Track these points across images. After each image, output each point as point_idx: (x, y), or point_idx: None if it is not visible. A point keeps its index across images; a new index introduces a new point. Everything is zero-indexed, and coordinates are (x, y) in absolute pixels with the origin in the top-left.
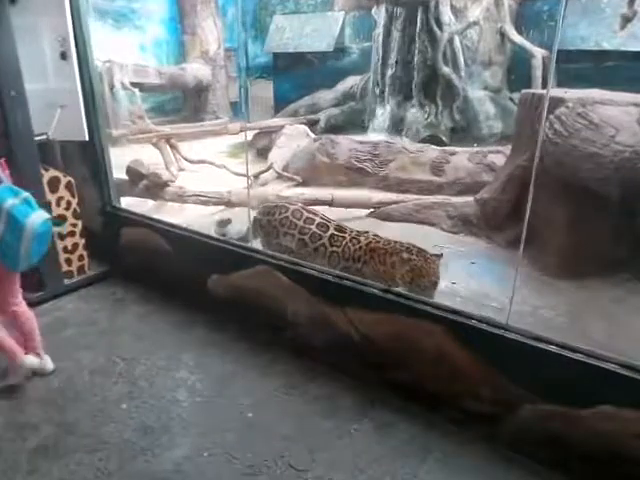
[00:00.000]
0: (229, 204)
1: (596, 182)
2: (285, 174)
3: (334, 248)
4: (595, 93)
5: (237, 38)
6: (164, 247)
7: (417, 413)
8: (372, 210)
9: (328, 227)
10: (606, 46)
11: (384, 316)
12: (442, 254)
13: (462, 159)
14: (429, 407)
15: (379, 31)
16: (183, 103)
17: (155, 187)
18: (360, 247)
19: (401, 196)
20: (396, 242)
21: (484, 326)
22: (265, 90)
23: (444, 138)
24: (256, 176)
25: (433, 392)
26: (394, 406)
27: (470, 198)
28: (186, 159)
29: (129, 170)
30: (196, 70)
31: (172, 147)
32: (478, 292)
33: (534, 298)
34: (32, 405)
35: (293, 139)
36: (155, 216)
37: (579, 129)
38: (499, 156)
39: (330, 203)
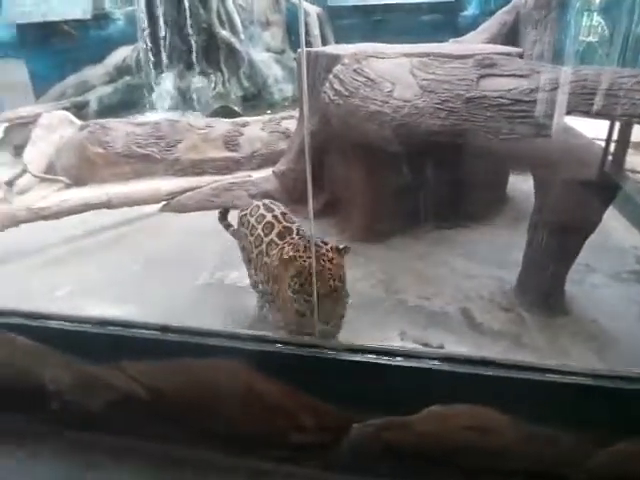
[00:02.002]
0: None
1: (383, 141)
2: (46, 177)
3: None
4: (367, 47)
5: None
6: None
7: (243, 464)
8: (165, 203)
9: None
10: (372, 0)
11: (172, 362)
12: (348, 247)
13: (255, 129)
14: (255, 453)
15: None
16: None
17: None
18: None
19: (196, 180)
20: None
21: (286, 348)
22: (16, 71)
23: (236, 108)
24: (9, 184)
25: (253, 436)
26: (215, 465)
27: (269, 171)
28: None
29: None
30: None
31: None
32: None
33: (348, 270)
34: None
35: (53, 130)
36: None
37: (358, 87)
38: (293, 121)
39: (107, 205)
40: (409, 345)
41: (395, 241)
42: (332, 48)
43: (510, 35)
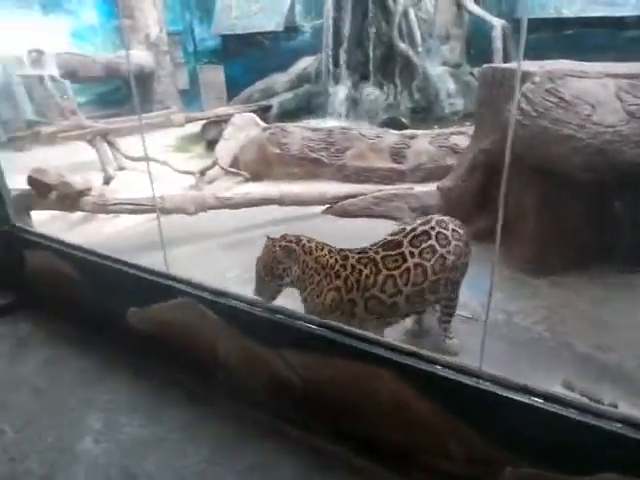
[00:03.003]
0: (163, 211)
1: (571, 168)
2: (231, 170)
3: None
4: (564, 64)
5: (182, 20)
6: (73, 274)
7: (380, 476)
8: (328, 206)
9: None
10: (566, 13)
11: (326, 358)
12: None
13: (423, 142)
14: (393, 467)
15: (329, 7)
16: (127, 94)
17: (68, 198)
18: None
19: (359, 187)
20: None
21: (449, 373)
22: (216, 76)
23: (405, 120)
24: (202, 173)
25: (396, 447)
26: (351, 467)
27: (433, 186)
28: (126, 157)
29: (31, 181)
30: (136, 57)
31: (110, 144)
32: None
33: (507, 302)
34: None
35: (241, 129)
36: (61, 236)
37: (549, 108)
38: (462, 137)
39: (280, 202)
40: (573, 396)
41: (566, 278)
42: (520, 64)
43: None
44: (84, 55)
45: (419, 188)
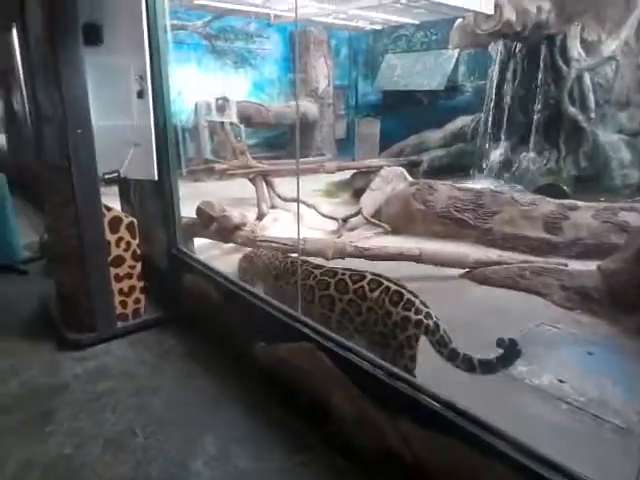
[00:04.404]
0: (303, 252)
1: None
2: (373, 220)
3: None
4: None
5: (348, 76)
6: (216, 299)
7: None
8: (468, 270)
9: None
10: None
11: (445, 441)
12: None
13: (585, 215)
14: None
15: (495, 68)
16: (290, 139)
17: (226, 230)
18: None
19: (505, 255)
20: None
21: None
22: (372, 128)
23: (566, 188)
24: (345, 220)
25: None
26: None
27: (592, 264)
28: (279, 196)
29: (199, 212)
30: (303, 107)
31: (267, 184)
32: (594, 398)
33: None
34: (36, 470)
35: (388, 182)
36: (212, 263)
37: None
38: (634, 214)
39: (417, 259)
40: None
41: None
42: None
43: None
44: (259, 104)
45: (574, 265)
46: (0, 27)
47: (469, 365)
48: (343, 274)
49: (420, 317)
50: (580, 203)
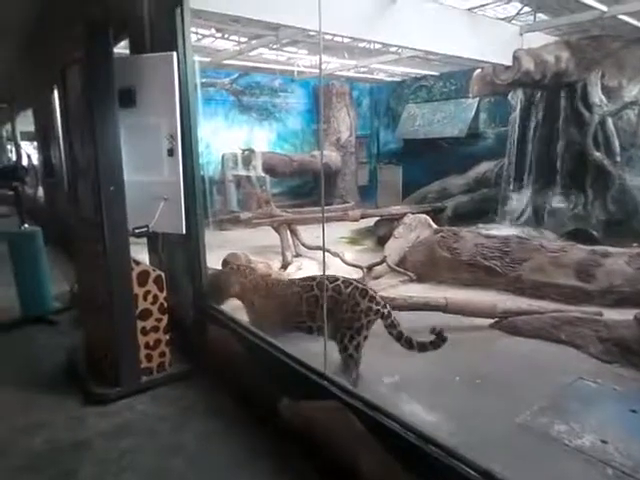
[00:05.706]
0: None
1: None
2: (398, 269)
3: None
4: None
5: (370, 126)
6: (241, 352)
7: None
8: (497, 320)
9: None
10: None
11: None
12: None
13: (618, 262)
14: None
15: (516, 115)
16: (313, 187)
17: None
18: None
19: (536, 304)
20: None
21: None
22: (394, 175)
23: (595, 233)
24: (369, 268)
25: None
26: None
27: (628, 313)
28: (304, 245)
29: (225, 263)
30: (326, 156)
31: (292, 232)
32: None
33: None
34: None
35: (412, 230)
36: (235, 316)
37: None
38: None
39: (444, 309)
40: None
41: None
42: None
43: None
44: (283, 154)
45: (609, 314)
46: (45, 88)
47: (409, 344)
48: (322, 277)
49: (379, 307)
50: (612, 249)
